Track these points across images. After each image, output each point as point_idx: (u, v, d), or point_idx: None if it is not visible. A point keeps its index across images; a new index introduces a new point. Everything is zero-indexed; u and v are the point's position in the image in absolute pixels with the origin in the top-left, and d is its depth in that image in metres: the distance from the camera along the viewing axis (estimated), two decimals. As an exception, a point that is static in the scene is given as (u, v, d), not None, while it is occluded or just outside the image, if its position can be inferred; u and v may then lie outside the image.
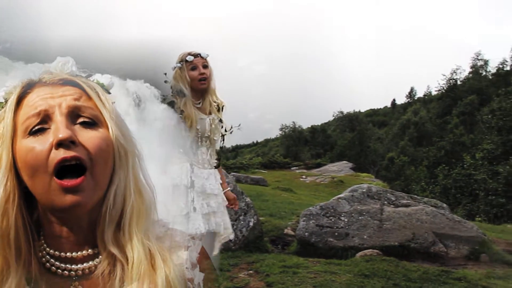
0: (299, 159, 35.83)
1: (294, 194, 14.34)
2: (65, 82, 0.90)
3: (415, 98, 76.15)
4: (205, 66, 3.67)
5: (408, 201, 7.27)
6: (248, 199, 6.94)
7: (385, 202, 7.20)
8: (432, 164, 35.39)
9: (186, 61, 3.67)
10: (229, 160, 31.95)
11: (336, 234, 6.64)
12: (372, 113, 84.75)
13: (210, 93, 3.71)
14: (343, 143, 49.92)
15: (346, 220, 6.81)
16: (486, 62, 46.21)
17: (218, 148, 3.81)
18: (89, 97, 0.90)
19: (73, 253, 0.91)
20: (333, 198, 7.56)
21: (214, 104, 3.74)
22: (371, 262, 5.78)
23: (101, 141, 0.85)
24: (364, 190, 7.45)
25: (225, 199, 3.76)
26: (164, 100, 3.56)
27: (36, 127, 0.84)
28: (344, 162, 29.08)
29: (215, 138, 3.71)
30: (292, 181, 19.90)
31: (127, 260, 0.90)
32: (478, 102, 52.53)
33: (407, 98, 78.75)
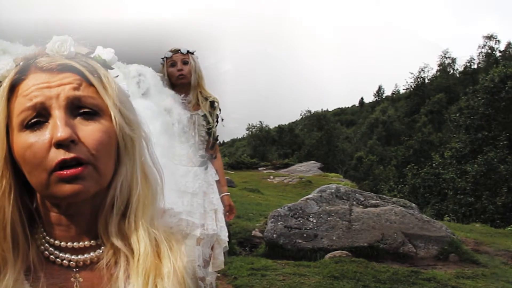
0: (266, 159, 35.96)
1: (261, 195, 14.38)
2: (63, 68, 0.84)
3: (383, 97, 77.21)
4: (185, 62, 3.71)
5: (377, 201, 7.37)
6: (215, 201, 6.90)
7: (354, 203, 7.28)
8: (400, 164, 35.95)
9: (166, 57, 3.74)
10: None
11: (305, 235, 6.67)
12: (340, 112, 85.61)
13: (195, 89, 3.73)
14: (311, 143, 50.25)
15: (314, 221, 6.86)
16: (453, 60, 47.27)
17: (205, 144, 3.75)
18: (90, 83, 0.86)
19: (74, 243, 0.89)
20: (301, 199, 7.60)
21: (204, 99, 3.75)
22: (340, 264, 5.84)
23: (103, 135, 0.82)
24: (332, 191, 7.52)
25: (214, 202, 3.70)
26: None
27: (33, 120, 0.81)
28: (312, 162, 29.27)
29: (194, 134, 3.69)
30: (260, 181, 19.95)
31: (133, 252, 0.88)
32: (446, 101, 53.59)
33: (375, 97, 79.80)
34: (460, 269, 6.17)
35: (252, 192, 14.88)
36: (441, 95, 54.54)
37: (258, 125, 53.47)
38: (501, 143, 22.91)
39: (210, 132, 3.74)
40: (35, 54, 0.89)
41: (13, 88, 0.87)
